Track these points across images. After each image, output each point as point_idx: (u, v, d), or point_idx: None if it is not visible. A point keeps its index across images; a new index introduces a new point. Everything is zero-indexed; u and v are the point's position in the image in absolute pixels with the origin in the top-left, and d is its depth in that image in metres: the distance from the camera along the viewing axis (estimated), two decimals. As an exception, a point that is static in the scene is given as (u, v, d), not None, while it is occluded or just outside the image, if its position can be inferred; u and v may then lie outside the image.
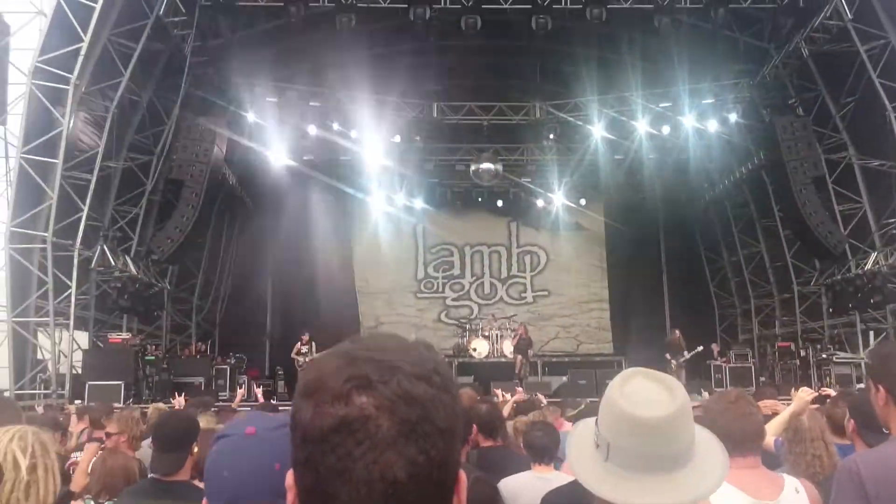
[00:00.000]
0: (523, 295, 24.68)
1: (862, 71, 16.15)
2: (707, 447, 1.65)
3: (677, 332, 19.40)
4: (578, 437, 1.70)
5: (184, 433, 3.43)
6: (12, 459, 2.17)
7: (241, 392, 10.75)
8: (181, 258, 18.52)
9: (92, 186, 15.19)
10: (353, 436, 0.99)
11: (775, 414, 4.72)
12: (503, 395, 10.30)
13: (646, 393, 1.60)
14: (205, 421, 4.73)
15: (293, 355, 18.39)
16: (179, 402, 8.19)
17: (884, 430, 3.21)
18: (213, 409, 6.76)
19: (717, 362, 19.22)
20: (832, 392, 6.29)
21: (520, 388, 11.15)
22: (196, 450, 3.33)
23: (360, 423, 0.99)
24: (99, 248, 15.58)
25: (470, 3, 15.85)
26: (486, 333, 21.38)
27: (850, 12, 15.58)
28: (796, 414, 4.19)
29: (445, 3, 15.82)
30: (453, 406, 1.06)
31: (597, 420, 1.66)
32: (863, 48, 15.80)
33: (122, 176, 16.99)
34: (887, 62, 15.62)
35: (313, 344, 18.35)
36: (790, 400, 7.35)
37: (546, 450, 3.90)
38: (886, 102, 15.79)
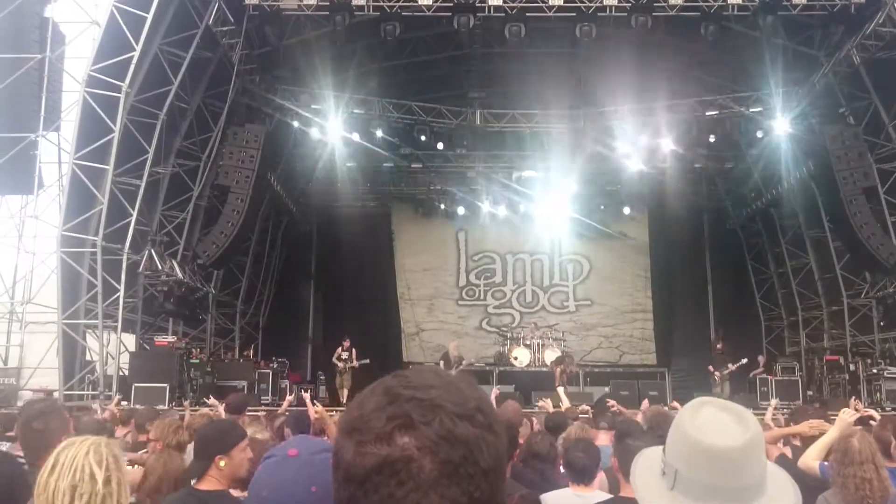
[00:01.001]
0: (565, 304, 24.53)
1: (916, 79, 15.78)
2: (777, 482, 1.60)
3: (720, 339, 19.15)
4: (644, 464, 1.68)
5: (208, 442, 3.45)
6: (89, 473, 2.23)
7: (289, 398, 10.84)
8: (226, 263, 18.77)
9: (141, 192, 15.50)
10: (395, 476, 0.99)
11: (822, 433, 4.60)
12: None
13: (717, 422, 1.57)
14: (252, 430, 4.77)
15: (334, 360, 18.56)
16: (214, 402, 8.28)
17: None
18: (247, 412, 6.77)
19: (763, 375, 18.84)
20: (874, 413, 6.11)
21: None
22: (223, 463, 3.33)
23: (403, 464, 0.99)
24: (147, 252, 15.88)
25: (514, 11, 15.82)
26: (528, 342, 21.27)
27: (905, 19, 15.23)
28: (840, 437, 4.07)
29: (489, 12, 15.81)
30: (497, 445, 1.05)
31: (664, 448, 1.63)
32: (917, 55, 15.44)
33: (169, 181, 17.30)
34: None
35: (353, 350, 18.45)
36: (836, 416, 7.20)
37: (587, 470, 3.85)
38: (942, 111, 15.39)
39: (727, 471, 1.52)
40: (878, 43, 16.13)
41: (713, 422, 1.58)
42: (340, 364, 18.33)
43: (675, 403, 10.62)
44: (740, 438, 1.54)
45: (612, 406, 9.16)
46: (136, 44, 14.66)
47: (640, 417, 6.50)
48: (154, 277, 16.37)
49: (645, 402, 9.85)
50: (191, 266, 17.66)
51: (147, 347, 16.83)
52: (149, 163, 15.62)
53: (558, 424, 6.61)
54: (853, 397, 11.95)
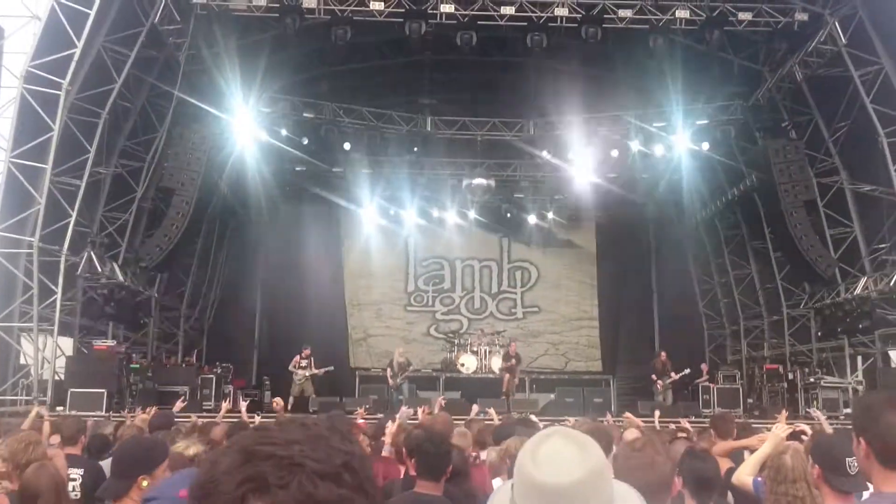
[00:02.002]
0: (513, 310, 24.62)
1: (855, 96, 16.22)
2: None
3: (664, 354, 19.40)
4: (497, 501, 1.62)
5: (134, 460, 3.32)
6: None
7: (225, 405, 10.58)
8: (170, 266, 18.42)
9: (81, 192, 15.11)
10: None
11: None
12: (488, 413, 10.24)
13: (557, 457, 1.52)
14: (184, 445, 4.62)
15: (291, 367, 18.15)
16: (142, 417, 8.05)
17: (849, 471, 3.15)
18: (173, 426, 6.57)
19: (706, 383, 19.15)
20: (806, 428, 6.22)
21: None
22: (146, 483, 3.20)
23: None
24: (86, 254, 15.47)
25: (466, 19, 15.85)
26: (475, 349, 21.26)
27: (845, 37, 15.67)
28: (773, 453, 4.11)
29: (441, 19, 15.81)
30: None
31: (512, 485, 1.58)
32: (856, 73, 15.88)
33: (112, 182, 16.90)
34: (880, 88, 15.69)
35: (312, 360, 18.19)
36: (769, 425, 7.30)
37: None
38: (879, 128, 15.84)
39: None
40: (819, 60, 16.58)
41: (553, 457, 1.52)
42: (300, 373, 17.94)
43: (629, 415, 10.70)
44: (577, 473, 1.49)
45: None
46: (78, 40, 14.31)
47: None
48: (94, 280, 15.94)
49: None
50: (133, 269, 17.25)
51: (85, 351, 16.37)
52: (90, 163, 15.25)
53: (507, 436, 6.58)
54: (783, 410, 12.19)
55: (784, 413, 8.81)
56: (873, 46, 15.53)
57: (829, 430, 6.60)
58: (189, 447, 4.43)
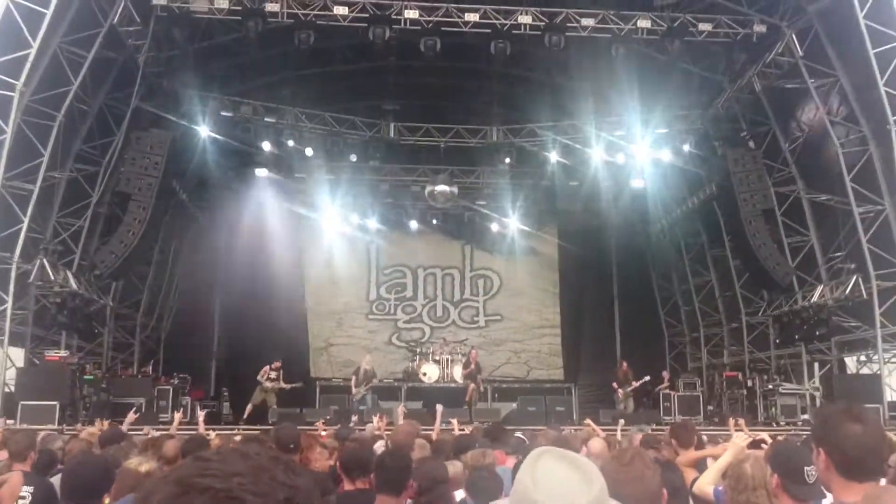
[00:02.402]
0: (475, 319, 24.56)
1: (811, 106, 16.52)
2: None
3: (625, 364, 19.57)
4: None
5: (87, 484, 3.19)
6: None
7: (178, 416, 10.30)
8: (126, 273, 18.03)
9: (34, 197, 14.75)
10: None
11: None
12: (451, 422, 10.16)
13: (559, 480, 1.47)
14: (136, 462, 4.45)
15: (260, 377, 17.83)
16: (89, 431, 7.81)
17: (807, 479, 3.14)
18: (124, 441, 6.37)
19: (667, 391, 19.29)
20: (766, 436, 6.25)
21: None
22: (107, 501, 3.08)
23: None
24: (39, 261, 15.05)
25: (430, 25, 15.82)
26: (437, 358, 21.19)
27: (801, 49, 15.96)
28: (733, 462, 4.09)
29: (405, 25, 15.76)
30: None
31: None
32: (812, 84, 16.17)
33: (66, 187, 16.49)
34: (835, 99, 16.01)
35: (282, 373, 17.92)
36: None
37: (491, 493, 3.75)
38: (834, 138, 16.15)
39: None
40: (777, 71, 16.86)
41: (555, 481, 1.48)
42: (268, 384, 17.65)
43: (590, 422, 10.71)
44: (585, 498, 1.45)
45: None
46: (34, 41, 14.01)
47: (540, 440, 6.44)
48: (46, 288, 15.51)
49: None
50: (87, 277, 16.85)
51: (37, 362, 15.91)
52: (44, 167, 14.90)
53: (466, 447, 6.50)
54: (732, 417, 12.36)
55: (732, 421, 8.92)
56: (829, 59, 15.85)
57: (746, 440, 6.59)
58: (142, 464, 4.27)
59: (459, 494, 4.49)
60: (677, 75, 18.27)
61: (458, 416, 12.46)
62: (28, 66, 14.12)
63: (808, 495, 3.17)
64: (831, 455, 2.48)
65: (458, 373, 20.21)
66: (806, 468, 3.16)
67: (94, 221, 17.53)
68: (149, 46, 16.20)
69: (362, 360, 18.75)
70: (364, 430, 8.73)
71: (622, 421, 10.84)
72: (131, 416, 9.38)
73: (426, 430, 9.98)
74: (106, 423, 8.74)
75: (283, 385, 17.77)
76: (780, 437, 7.31)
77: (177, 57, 17.09)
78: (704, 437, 7.55)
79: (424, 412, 16.07)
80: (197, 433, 7.32)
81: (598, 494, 1.48)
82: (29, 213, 14.67)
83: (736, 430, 5.85)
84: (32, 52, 14.08)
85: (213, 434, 8.90)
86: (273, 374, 17.79)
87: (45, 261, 15.10)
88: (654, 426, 12.71)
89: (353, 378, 17.97)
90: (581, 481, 1.48)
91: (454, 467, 4.92)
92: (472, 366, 18.79)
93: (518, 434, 6.76)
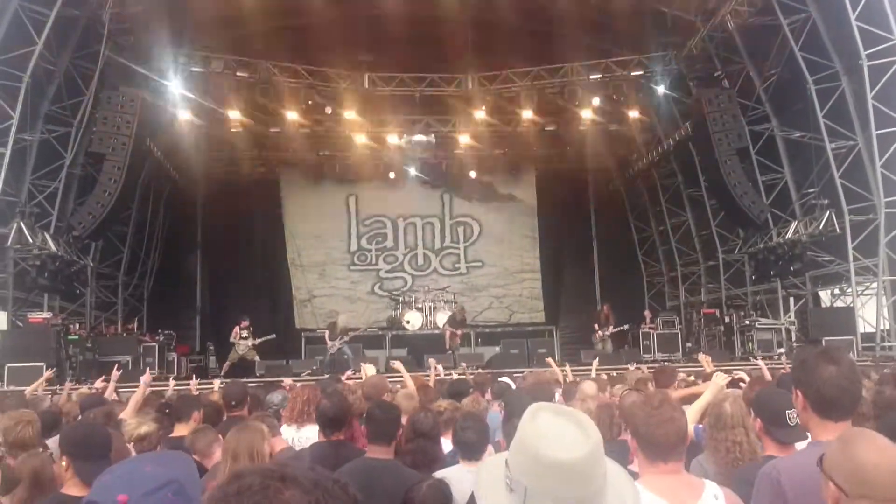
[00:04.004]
0: (457, 266, 24.75)
1: (784, 44, 16.56)
2: (618, 480, 1.65)
3: (606, 307, 19.86)
4: (488, 479, 1.65)
5: (100, 444, 3.30)
6: None
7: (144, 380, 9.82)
8: (104, 233, 17.94)
9: (6, 160, 14.58)
10: None
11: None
12: (435, 368, 10.33)
13: (559, 433, 1.58)
14: (136, 424, 4.55)
15: (232, 339, 17.94)
16: (67, 390, 7.87)
17: (789, 422, 3.31)
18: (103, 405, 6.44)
19: (647, 330, 19.64)
20: (744, 375, 6.47)
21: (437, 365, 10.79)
22: None
23: None
24: (15, 224, 14.92)
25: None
26: (420, 305, 21.41)
27: (774, -14, 15.91)
28: (713, 401, 4.27)
29: (375, -28, 15.51)
30: None
31: (507, 461, 1.62)
32: (785, 21, 16.18)
33: (38, 149, 16.23)
34: (808, 36, 16.07)
35: (251, 329, 18.00)
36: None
37: (477, 446, 3.90)
38: (807, 75, 16.24)
39: (576, 481, 1.54)
40: (750, 9, 16.82)
41: (555, 432, 1.58)
42: (242, 343, 17.75)
43: (550, 361, 11.03)
44: (585, 447, 1.57)
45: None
46: (-6, 0, 13.66)
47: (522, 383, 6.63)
48: (25, 251, 15.43)
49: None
50: (65, 238, 16.75)
51: (21, 325, 15.92)
52: (14, 129, 14.69)
53: (460, 392, 6.67)
54: (701, 353, 12.71)
55: (702, 356, 9.22)
56: (801, -5, 15.84)
57: (768, 377, 6.84)
58: (141, 425, 4.38)
59: (445, 442, 4.63)
60: (651, 16, 18.17)
61: (443, 362, 12.70)
62: (-10, 26, 13.80)
63: (790, 437, 3.33)
64: (808, 395, 2.62)
65: (441, 320, 20.46)
66: (787, 411, 3.31)
67: (69, 183, 17.33)
68: (112, 2, 15.84)
69: (338, 316, 18.83)
70: (347, 381, 8.85)
71: (596, 360, 11.15)
72: (116, 373, 9.46)
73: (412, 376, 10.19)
74: (100, 381, 8.76)
75: (255, 341, 17.86)
76: (763, 373, 7.53)
77: (143, 12, 16.73)
78: (691, 378, 7.79)
79: (409, 359, 16.30)
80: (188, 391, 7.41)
81: (595, 445, 1.58)
82: (2, 176, 14.51)
83: (713, 370, 6.05)
84: (-7, 12, 13.75)
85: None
86: (244, 333, 17.88)
87: (22, 224, 14.97)
88: (634, 365, 13.00)
89: (327, 332, 18.10)
90: (579, 433, 1.59)
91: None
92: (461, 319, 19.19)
93: (503, 379, 6.93)
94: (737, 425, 3.77)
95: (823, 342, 14.48)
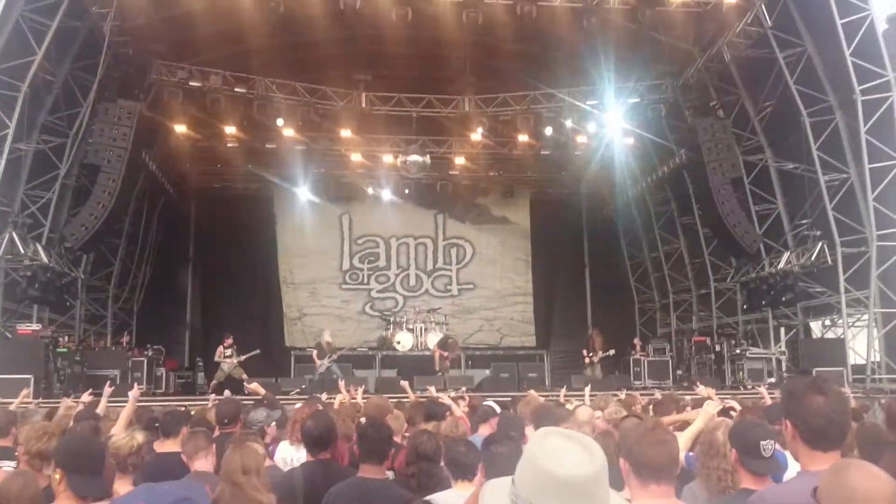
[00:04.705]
0: (448, 287, 24.72)
1: (780, 77, 16.72)
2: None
3: (594, 332, 19.88)
4: (493, 498, 1.68)
5: (95, 457, 3.26)
6: None
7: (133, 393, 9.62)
8: (96, 245, 17.86)
9: (1, 170, 14.52)
10: None
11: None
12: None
13: (566, 452, 1.61)
14: (128, 437, 4.51)
15: (217, 358, 17.85)
16: (66, 401, 7.80)
17: (763, 453, 3.31)
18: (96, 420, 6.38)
19: (638, 356, 19.63)
20: (735, 404, 6.47)
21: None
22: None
23: None
24: (7, 234, 14.87)
25: (401, -6, 15.69)
26: (411, 326, 21.35)
27: (770, 20, 16.11)
28: (704, 428, 4.26)
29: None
30: None
31: (513, 479, 1.64)
32: (781, 55, 16.36)
33: (33, 159, 16.21)
34: (803, 69, 16.24)
35: (235, 347, 17.91)
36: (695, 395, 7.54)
37: (469, 467, 3.87)
38: (801, 108, 16.40)
39: (581, 498, 1.58)
40: (746, 41, 17.02)
41: (562, 452, 1.63)
42: (227, 362, 17.63)
43: (532, 392, 11.01)
44: (591, 467, 1.61)
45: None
46: (-5, 10, 13.70)
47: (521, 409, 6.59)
48: (16, 261, 15.35)
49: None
50: (57, 249, 16.68)
51: (9, 336, 15.78)
52: (9, 139, 14.68)
53: (436, 414, 6.64)
54: (696, 382, 12.73)
55: (696, 384, 9.22)
56: (797, 29, 16.03)
57: (769, 401, 6.83)
58: (133, 438, 4.34)
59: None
60: (648, 45, 18.33)
61: (433, 383, 12.65)
62: (-10, 35, 13.83)
63: (764, 469, 3.34)
64: (797, 426, 2.62)
65: (432, 341, 20.40)
66: (762, 443, 3.32)
67: (63, 193, 17.28)
68: (114, 15, 15.90)
69: (324, 333, 18.75)
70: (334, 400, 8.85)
71: (589, 387, 11.13)
72: (108, 389, 9.37)
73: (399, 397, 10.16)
74: (86, 395, 8.67)
75: (239, 358, 17.76)
76: (750, 403, 7.53)
77: (144, 26, 16.79)
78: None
79: (398, 380, 16.20)
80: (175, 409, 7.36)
81: (601, 467, 1.64)
82: (-4, 186, 14.48)
83: (706, 396, 6.05)
84: (-6, 21, 13.78)
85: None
86: (228, 352, 17.79)
87: (13, 234, 14.92)
88: (625, 391, 12.96)
89: (315, 351, 18.03)
90: (585, 455, 1.64)
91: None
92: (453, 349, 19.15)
93: (488, 402, 6.89)
94: (729, 453, 3.75)
95: (814, 373, 14.47)
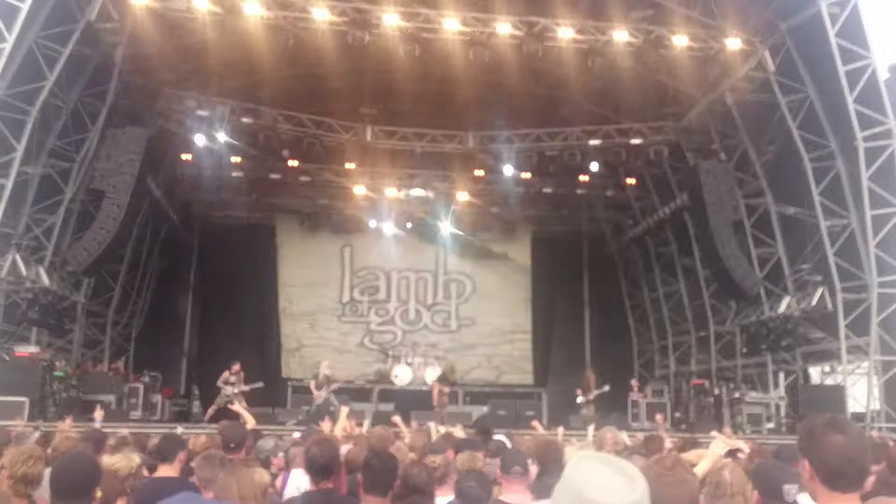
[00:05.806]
0: (448, 322, 24.68)
1: (782, 121, 16.87)
2: None
3: (588, 371, 19.80)
4: None
5: (84, 479, 3.24)
6: None
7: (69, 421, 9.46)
8: (98, 270, 17.87)
9: (7, 192, 14.58)
10: None
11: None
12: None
13: (606, 479, 1.60)
14: (126, 458, 4.48)
15: (220, 384, 17.64)
16: (65, 425, 7.78)
17: (786, 498, 3.28)
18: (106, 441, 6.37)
19: (636, 397, 19.52)
20: (743, 446, 6.44)
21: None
22: (100, 494, 3.14)
23: None
24: (10, 256, 14.89)
25: (409, 31, 15.91)
26: (409, 361, 21.28)
27: (774, 65, 16.29)
28: (712, 469, 4.24)
29: (384, 28, 15.83)
30: None
31: None
32: (783, 100, 16.52)
33: (39, 183, 16.29)
34: (806, 115, 16.39)
35: (242, 374, 17.74)
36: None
37: (479, 500, 3.85)
38: (803, 153, 16.52)
39: None
40: (749, 86, 17.19)
41: (601, 479, 1.62)
42: (229, 388, 17.39)
43: (535, 424, 11.04)
44: (631, 496, 1.59)
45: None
46: (9, 34, 13.83)
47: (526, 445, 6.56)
48: (17, 284, 15.34)
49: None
50: (59, 273, 16.68)
51: (6, 358, 15.71)
52: (17, 162, 14.72)
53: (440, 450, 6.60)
54: (716, 430, 12.63)
55: (715, 431, 9.11)
56: (800, 75, 16.22)
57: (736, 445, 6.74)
58: (132, 459, 4.32)
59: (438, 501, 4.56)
60: (652, 87, 18.53)
61: (430, 419, 12.59)
62: (3, 60, 13.92)
63: None
64: (814, 465, 2.58)
65: (430, 376, 20.30)
66: (785, 486, 3.28)
67: (67, 218, 17.31)
68: (126, 44, 16.09)
69: (321, 365, 18.61)
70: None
71: (593, 425, 11.06)
72: (98, 413, 9.34)
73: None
74: (67, 422, 8.61)
75: (243, 388, 17.57)
76: (757, 443, 7.49)
77: (154, 55, 16.98)
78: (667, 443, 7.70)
79: (394, 413, 16.09)
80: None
81: (642, 493, 1.63)
82: (1, 208, 14.49)
83: (715, 436, 6.02)
84: (8, 46, 13.89)
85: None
86: (233, 379, 17.59)
87: (16, 256, 14.93)
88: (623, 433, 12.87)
89: (313, 382, 17.90)
90: (625, 481, 1.63)
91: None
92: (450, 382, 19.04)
93: (498, 437, 6.88)
94: (736, 493, 3.72)
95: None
